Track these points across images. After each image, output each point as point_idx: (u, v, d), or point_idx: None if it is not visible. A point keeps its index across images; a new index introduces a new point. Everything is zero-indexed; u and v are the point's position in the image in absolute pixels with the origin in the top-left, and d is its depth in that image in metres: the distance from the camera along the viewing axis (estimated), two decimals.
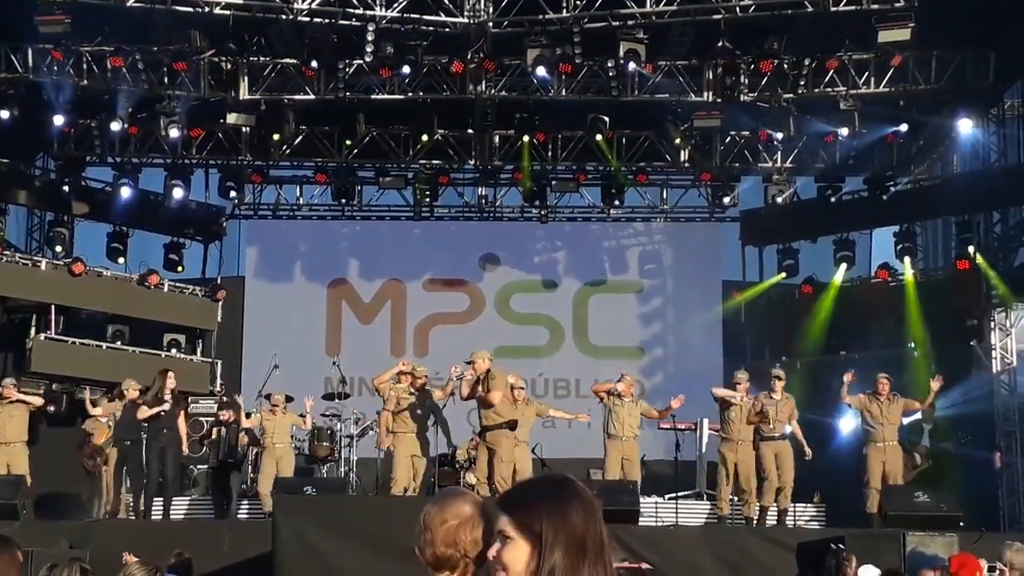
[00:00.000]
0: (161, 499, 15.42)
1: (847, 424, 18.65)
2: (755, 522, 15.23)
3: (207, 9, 17.21)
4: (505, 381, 15.13)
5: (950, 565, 9.50)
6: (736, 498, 15.50)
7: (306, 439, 18.03)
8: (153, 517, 15.30)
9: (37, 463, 15.78)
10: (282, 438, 16.40)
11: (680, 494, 16.83)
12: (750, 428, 15.45)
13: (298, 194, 23.10)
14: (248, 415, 17.48)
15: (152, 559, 10.70)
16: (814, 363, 20.14)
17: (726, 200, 22.18)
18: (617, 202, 22.31)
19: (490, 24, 17.78)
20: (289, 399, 18.03)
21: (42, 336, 19.40)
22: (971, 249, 19.78)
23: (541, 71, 18.00)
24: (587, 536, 2.68)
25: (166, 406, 15.20)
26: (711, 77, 18.92)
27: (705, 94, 19.07)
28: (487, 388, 14.78)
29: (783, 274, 21.91)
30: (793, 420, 15.66)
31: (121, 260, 21.70)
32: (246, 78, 19.03)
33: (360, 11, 17.39)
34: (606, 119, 19.60)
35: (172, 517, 15.81)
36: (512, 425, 14.96)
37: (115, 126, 19.46)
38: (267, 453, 16.31)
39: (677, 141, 20.73)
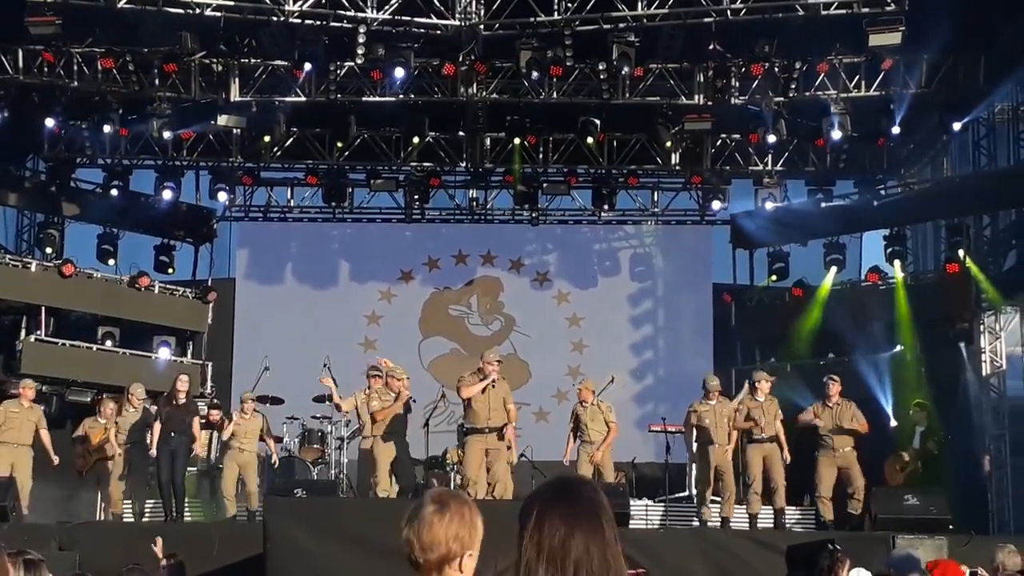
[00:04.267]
0: (167, 502, 15.41)
1: None
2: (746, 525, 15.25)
3: (198, 11, 17.19)
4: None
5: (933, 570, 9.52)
6: (717, 498, 15.53)
7: (295, 441, 18.03)
8: (158, 520, 15.29)
9: None
10: (249, 443, 16.07)
11: (670, 497, 16.84)
12: (727, 431, 15.47)
13: (289, 196, 23.08)
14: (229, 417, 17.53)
15: (144, 561, 10.74)
16: (804, 366, 20.15)
17: (716, 204, 22.18)
18: (607, 205, 22.33)
19: (481, 27, 17.78)
20: (279, 401, 18.06)
21: (32, 338, 19.35)
22: (961, 252, 19.80)
23: (536, 74, 18.03)
24: (549, 544, 2.76)
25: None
26: (702, 80, 18.97)
27: (696, 97, 19.12)
28: (506, 397, 14.86)
29: (773, 277, 21.95)
30: (777, 421, 15.56)
31: (111, 262, 21.66)
32: (237, 80, 19.02)
33: (351, 13, 17.39)
34: (597, 122, 19.64)
35: (159, 520, 15.79)
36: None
37: (106, 128, 19.46)
38: (229, 456, 15.99)
39: (668, 144, 20.74)
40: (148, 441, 15.38)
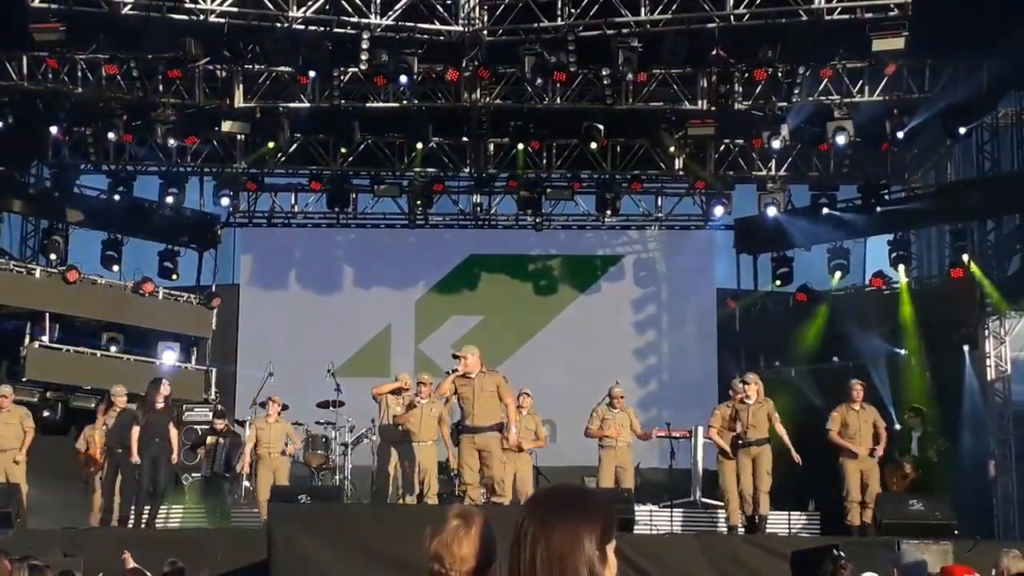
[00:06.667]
0: (150, 507, 15.30)
1: None
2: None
3: (202, 17, 17.21)
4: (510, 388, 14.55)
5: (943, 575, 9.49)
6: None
7: (300, 447, 18.03)
8: (169, 526, 15.22)
9: (31, 470, 15.73)
10: (276, 447, 16.28)
11: (675, 502, 16.83)
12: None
13: (293, 202, 23.09)
14: (240, 423, 17.50)
15: (146, 567, 10.74)
16: (808, 371, 20.16)
17: (719, 210, 22.16)
18: (611, 210, 22.32)
19: (485, 32, 17.80)
20: (284, 407, 18.04)
21: (36, 344, 19.38)
22: (965, 257, 19.80)
23: (539, 79, 18.06)
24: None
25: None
26: (705, 85, 18.97)
27: (699, 102, 19.12)
28: (502, 392, 14.09)
29: (777, 282, 21.95)
30: (776, 424, 15.10)
31: (115, 268, 21.67)
32: (241, 86, 19.05)
33: (355, 19, 17.41)
34: (600, 127, 19.64)
35: (166, 526, 15.76)
36: (500, 427, 14.44)
37: (110, 134, 19.50)
38: (262, 463, 16.19)
39: (672, 149, 20.77)
40: (129, 447, 15.16)
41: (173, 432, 15.34)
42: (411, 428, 15.40)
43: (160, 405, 15.19)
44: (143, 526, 14.95)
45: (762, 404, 15.18)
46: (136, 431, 14.94)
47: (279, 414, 16.51)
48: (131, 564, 11.12)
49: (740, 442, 15.06)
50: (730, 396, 15.60)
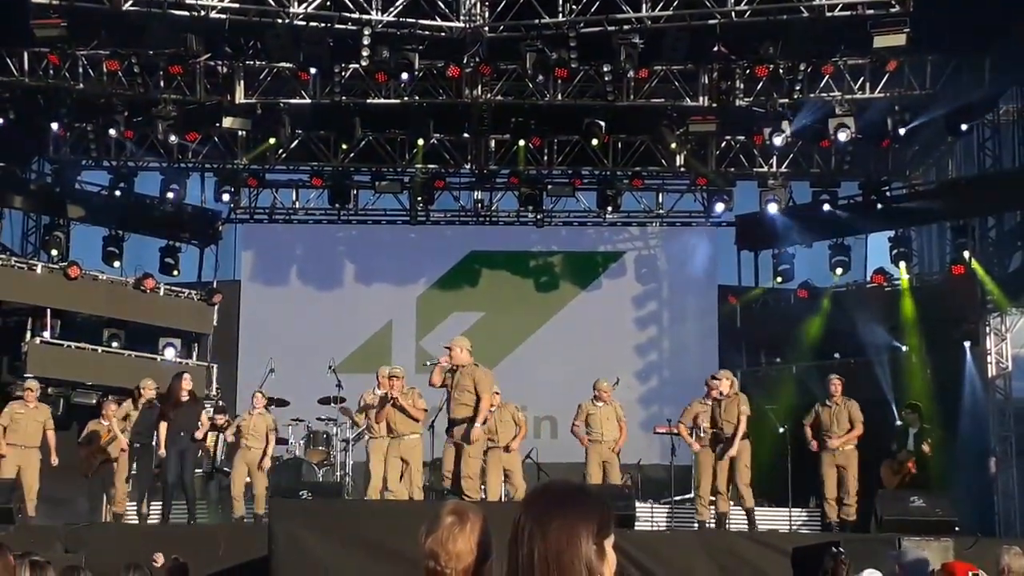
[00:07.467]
0: (182, 503, 15.28)
1: None
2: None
3: (203, 13, 17.22)
4: (491, 383, 14.40)
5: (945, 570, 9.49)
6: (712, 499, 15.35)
7: (300, 442, 18.03)
8: (172, 521, 15.19)
9: None
10: (256, 441, 15.82)
11: (676, 499, 16.83)
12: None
13: (294, 198, 23.09)
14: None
15: (146, 564, 10.75)
16: (809, 368, 20.15)
17: (720, 206, 22.17)
18: (612, 207, 22.32)
19: (486, 28, 17.80)
20: (284, 403, 18.05)
21: (37, 340, 19.38)
22: (966, 254, 19.80)
23: (541, 76, 18.07)
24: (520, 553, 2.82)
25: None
26: (707, 82, 18.99)
27: (701, 99, 19.13)
28: (479, 387, 13.92)
29: (778, 279, 21.95)
30: (742, 417, 14.84)
31: (117, 264, 21.70)
32: (242, 82, 19.06)
33: (356, 15, 17.41)
34: (602, 124, 19.64)
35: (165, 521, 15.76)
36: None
37: (111, 130, 19.51)
38: (239, 455, 15.89)
39: (673, 146, 20.77)
40: (155, 441, 15.20)
41: (205, 422, 15.45)
42: (389, 424, 15.17)
43: (185, 399, 15.22)
44: (188, 523, 15.07)
45: (732, 399, 15.09)
46: (164, 426, 14.98)
47: (266, 407, 16.33)
48: (161, 561, 11.21)
49: (717, 439, 15.03)
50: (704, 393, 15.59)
